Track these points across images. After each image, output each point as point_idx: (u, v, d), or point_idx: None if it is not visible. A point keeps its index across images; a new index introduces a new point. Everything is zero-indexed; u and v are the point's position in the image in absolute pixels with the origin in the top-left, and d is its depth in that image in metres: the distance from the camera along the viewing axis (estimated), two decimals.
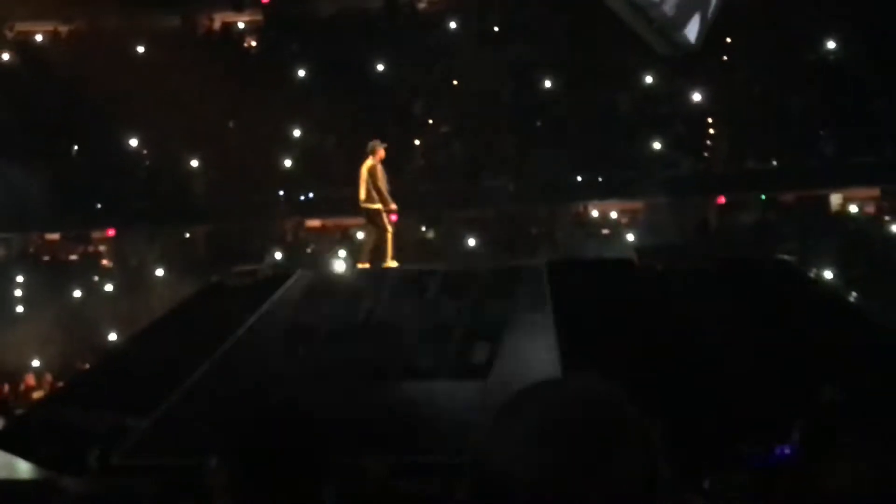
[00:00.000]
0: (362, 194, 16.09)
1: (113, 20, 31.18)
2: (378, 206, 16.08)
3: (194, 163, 30.46)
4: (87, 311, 27.51)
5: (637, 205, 28.63)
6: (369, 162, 16.19)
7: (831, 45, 27.83)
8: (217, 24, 34.18)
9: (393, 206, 16.29)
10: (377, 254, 16.17)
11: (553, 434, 1.46)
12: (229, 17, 34.03)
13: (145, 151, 31.49)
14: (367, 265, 16.30)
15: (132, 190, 30.09)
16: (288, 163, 29.82)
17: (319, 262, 26.26)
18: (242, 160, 29.03)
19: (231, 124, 30.54)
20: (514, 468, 1.45)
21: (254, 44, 33.62)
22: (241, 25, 34.19)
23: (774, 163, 27.33)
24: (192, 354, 14.63)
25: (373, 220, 16.20)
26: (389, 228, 16.22)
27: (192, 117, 29.53)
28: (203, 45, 32.54)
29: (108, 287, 29.26)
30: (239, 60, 32.03)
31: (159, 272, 28.80)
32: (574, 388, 1.55)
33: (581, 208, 28.61)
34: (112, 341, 25.23)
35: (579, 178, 27.51)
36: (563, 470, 1.44)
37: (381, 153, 16.27)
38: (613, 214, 28.76)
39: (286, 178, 29.72)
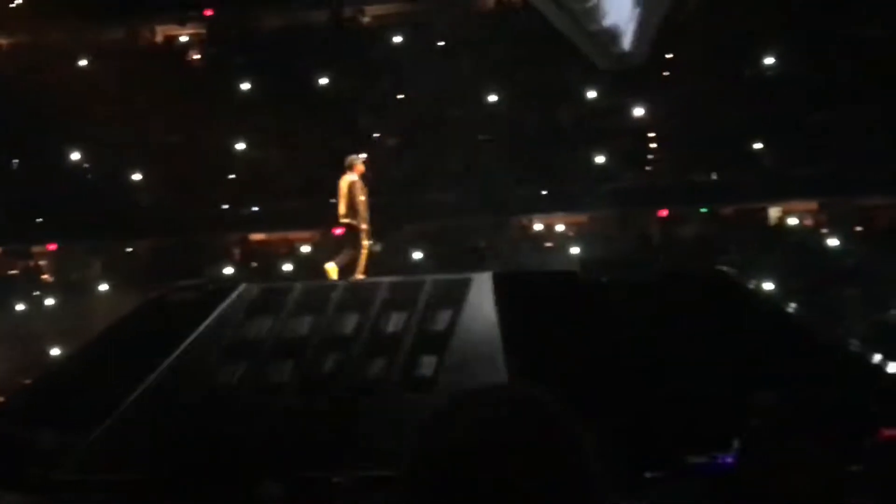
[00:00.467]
0: (342, 209, 16.04)
1: (56, 33, 30.89)
2: (355, 222, 16.13)
3: (137, 176, 30.22)
4: (28, 325, 27.17)
5: (581, 218, 28.85)
6: (348, 177, 16.15)
7: (770, 59, 28.26)
8: (160, 38, 33.96)
9: (364, 226, 16.27)
10: (350, 267, 16.23)
11: (485, 442, 1.45)
12: (173, 30, 33.83)
13: (88, 165, 31.19)
14: (361, 276, 16.30)
15: (74, 204, 29.77)
16: (232, 176, 29.68)
17: (265, 275, 26.19)
18: (186, 174, 28.89)
19: (175, 138, 30.35)
20: (447, 477, 1.45)
21: (197, 57, 33.44)
22: (184, 39, 33.99)
23: (715, 176, 27.67)
24: (135, 370, 14.51)
25: (351, 235, 16.22)
26: (364, 243, 16.27)
27: (135, 130, 29.34)
28: (146, 59, 32.32)
29: (50, 302, 28.92)
30: (183, 74, 31.86)
31: (102, 287, 28.52)
32: (507, 395, 1.55)
33: (526, 221, 28.77)
34: (54, 356, 24.93)
35: (524, 192, 27.67)
36: (497, 479, 1.43)
37: (360, 168, 16.32)
38: (558, 227, 28.94)
39: (231, 191, 29.58)
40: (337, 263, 16.24)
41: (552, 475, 1.47)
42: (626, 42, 11.91)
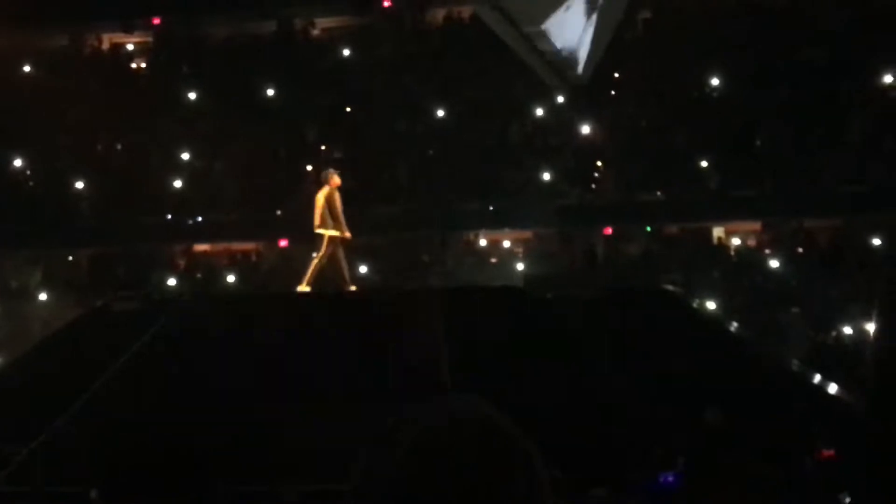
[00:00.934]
0: (316, 220, 16.35)
1: None
2: (334, 233, 16.29)
3: (80, 184, 29.86)
4: None
5: (527, 234, 28.95)
6: (325, 190, 16.52)
7: (715, 81, 28.60)
8: (106, 45, 33.62)
9: (347, 234, 16.56)
10: (327, 278, 16.43)
11: (431, 456, 1.44)
12: (119, 37, 33.51)
13: (29, 172, 30.79)
14: (307, 289, 16.43)
15: (15, 211, 29.34)
16: (177, 185, 29.43)
17: (208, 286, 25.99)
18: (130, 182, 28.60)
19: (119, 146, 30.05)
20: (393, 492, 1.43)
21: (143, 65, 33.15)
22: (130, 47, 33.69)
23: (660, 195, 27.92)
24: (75, 380, 14.32)
25: (326, 246, 16.42)
26: (341, 254, 16.50)
27: (78, 138, 29.02)
28: (91, 66, 32.00)
29: None
30: (128, 82, 31.58)
31: (42, 295, 28.12)
32: (452, 408, 1.52)
33: (472, 236, 28.82)
34: None
35: (470, 207, 27.72)
36: (443, 494, 1.41)
37: (336, 181, 16.72)
38: (504, 243, 29.02)
39: (175, 201, 29.32)
40: (307, 282, 16.47)
41: (501, 487, 1.45)
42: (576, 61, 12.01)
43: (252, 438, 12.70)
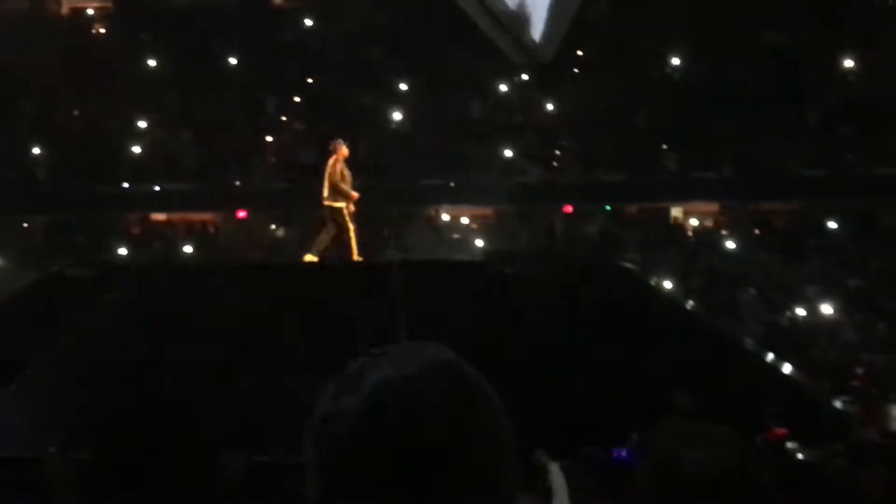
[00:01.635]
0: (325, 192, 16.12)
1: None
2: (341, 204, 16.02)
3: (36, 150, 29.48)
4: None
5: (487, 210, 28.98)
6: (332, 160, 16.12)
7: (677, 62, 28.70)
8: (66, 10, 33.17)
9: (355, 195, 16.29)
10: (339, 248, 16.25)
11: (394, 402, 1.40)
12: (79, 2, 33.07)
13: None
14: (315, 258, 16.22)
15: None
16: (136, 152, 29.13)
17: (165, 255, 25.80)
18: (87, 150, 28.29)
19: (76, 112, 29.70)
20: (351, 438, 1.39)
21: (103, 31, 32.74)
22: (90, 12, 33.25)
23: (620, 175, 28.02)
24: (29, 346, 14.17)
25: (335, 217, 16.19)
26: (351, 226, 16.29)
27: (36, 103, 28.64)
28: (51, 30, 31.56)
29: None
30: (87, 48, 31.18)
31: None
32: (417, 355, 1.48)
33: (433, 212, 28.80)
34: None
35: (431, 182, 27.69)
36: (405, 444, 1.37)
37: (344, 151, 16.39)
38: (464, 219, 29.02)
39: (132, 169, 29.03)
40: (315, 251, 16.24)
41: (473, 442, 1.42)
42: (541, 38, 11.98)
43: (202, 408, 12.64)
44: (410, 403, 1.41)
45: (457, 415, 1.42)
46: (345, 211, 16.33)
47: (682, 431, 2.34)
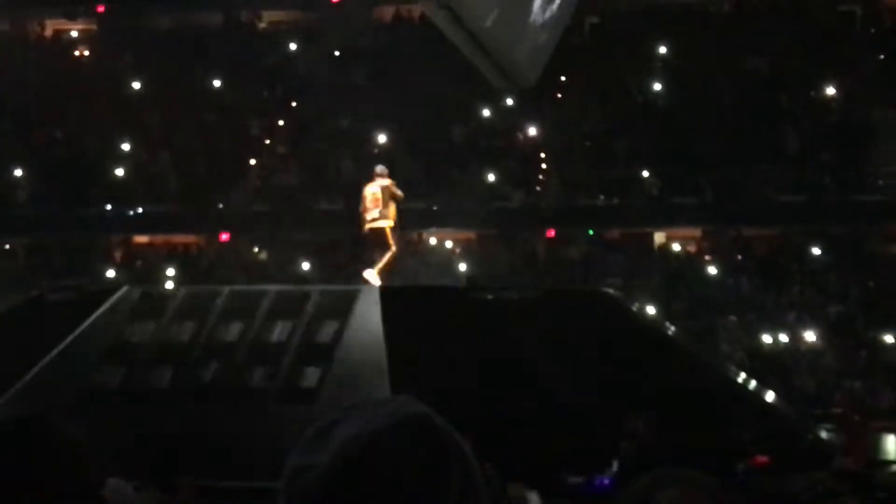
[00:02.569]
0: (373, 214, 16.22)
1: None
2: (391, 224, 16.21)
3: (18, 172, 29.38)
4: None
5: (469, 234, 29.00)
6: (380, 182, 16.34)
7: (658, 87, 28.86)
8: (49, 32, 33.15)
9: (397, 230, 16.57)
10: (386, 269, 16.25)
11: (363, 457, 1.41)
12: (62, 24, 33.04)
13: None
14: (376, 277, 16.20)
15: None
16: (118, 174, 29.06)
17: (147, 279, 25.69)
18: (69, 172, 28.21)
19: (59, 134, 29.63)
20: (322, 493, 1.40)
21: (86, 53, 32.72)
22: (74, 34, 33.23)
23: (602, 199, 28.10)
24: (8, 371, 14.09)
25: (389, 238, 16.23)
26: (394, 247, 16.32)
27: (17, 125, 28.58)
28: (33, 52, 31.52)
29: None
30: (70, 70, 31.15)
31: None
32: (388, 409, 1.49)
33: (415, 236, 28.81)
34: None
35: (413, 206, 27.66)
36: (375, 499, 1.39)
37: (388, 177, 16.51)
38: (446, 243, 29.03)
39: (115, 192, 28.95)
40: (379, 270, 16.13)
41: (441, 493, 1.44)
42: (523, 63, 12.03)
43: (184, 433, 12.58)
44: (379, 457, 1.42)
45: (427, 466, 1.43)
46: (388, 231, 16.31)
47: (657, 474, 2.34)
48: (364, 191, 16.56)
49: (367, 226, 16.34)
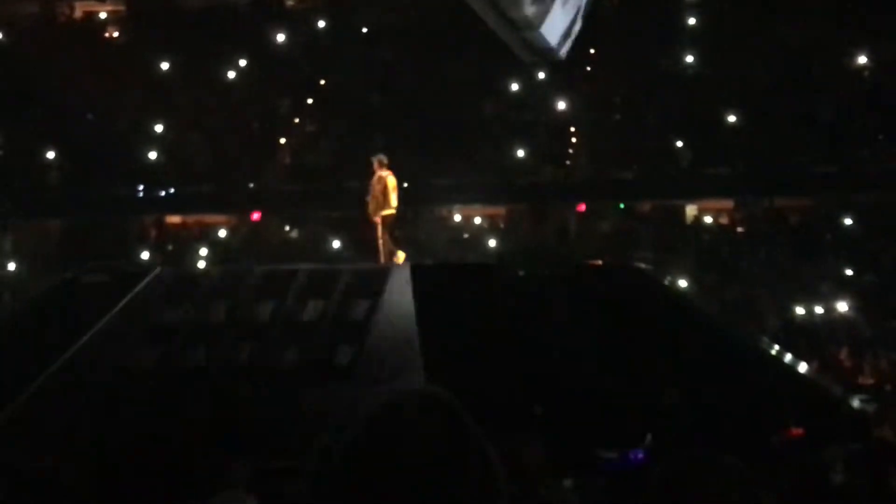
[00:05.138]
0: (395, 202, 16.85)
1: None
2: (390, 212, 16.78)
3: (50, 154, 29.60)
4: None
5: (499, 210, 28.96)
6: (386, 172, 16.88)
7: (689, 58, 28.63)
8: (79, 13, 33.27)
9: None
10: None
11: (384, 433, 1.49)
12: (91, 6, 33.15)
13: (0, 141, 30.49)
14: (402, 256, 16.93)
15: None
16: (150, 156, 29.21)
17: (180, 259, 25.88)
18: (101, 153, 28.37)
19: (90, 116, 29.78)
20: (347, 466, 1.47)
21: (116, 35, 32.83)
22: (103, 15, 33.34)
23: (633, 173, 27.97)
24: (45, 352, 14.24)
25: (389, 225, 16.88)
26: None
27: (49, 108, 28.75)
28: (63, 34, 31.66)
29: None
30: (100, 51, 31.27)
31: (11, 266, 27.92)
32: (410, 398, 1.57)
33: (445, 212, 28.80)
34: None
35: (443, 182, 27.69)
36: (398, 482, 1.45)
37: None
38: (477, 219, 29.01)
39: (147, 173, 29.12)
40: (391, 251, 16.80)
41: (459, 487, 1.48)
42: (552, 36, 11.97)
43: (217, 412, 12.68)
44: (400, 430, 1.50)
45: (445, 441, 1.51)
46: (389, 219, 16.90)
47: (690, 456, 2.34)
48: (372, 180, 16.87)
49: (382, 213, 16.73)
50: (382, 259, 16.78)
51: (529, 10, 11.42)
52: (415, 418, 1.51)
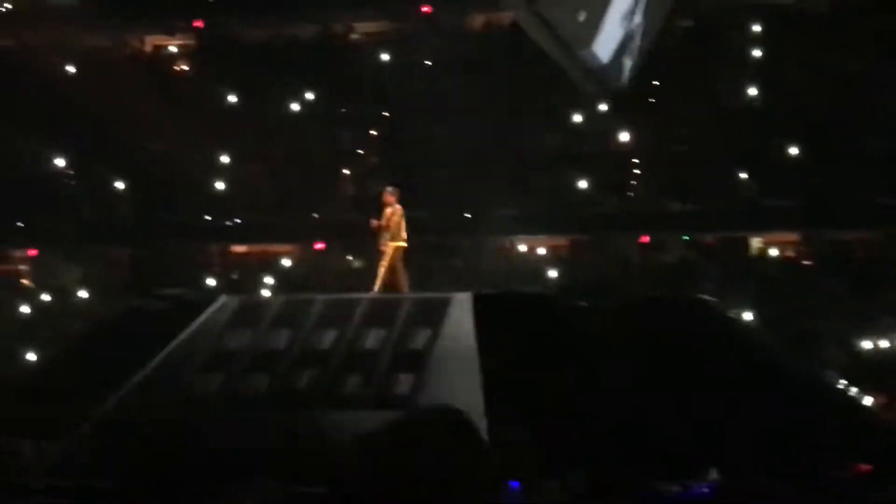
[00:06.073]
0: (404, 234, 16.98)
1: (42, 38, 30.80)
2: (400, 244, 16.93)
3: (120, 184, 30.14)
4: (4, 330, 26.99)
5: (562, 241, 28.90)
6: (396, 206, 17.09)
7: (752, 91, 28.46)
8: (149, 47, 33.92)
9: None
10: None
11: (399, 462, 1.61)
12: (161, 39, 33.80)
13: (71, 171, 31.10)
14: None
15: (56, 210, 29.65)
16: (219, 186, 29.63)
17: (245, 287, 26.13)
18: (169, 184, 28.82)
19: (159, 147, 30.29)
20: (369, 490, 1.61)
21: (185, 67, 33.40)
22: (172, 49, 33.96)
23: (697, 204, 27.79)
24: (111, 377, 14.46)
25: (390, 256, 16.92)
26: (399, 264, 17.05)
27: (119, 139, 29.27)
28: (133, 67, 32.25)
29: (27, 308, 28.73)
30: (169, 83, 31.81)
31: (81, 293, 28.39)
32: (426, 414, 1.69)
33: (507, 242, 28.82)
34: (30, 362, 24.77)
35: (505, 213, 27.72)
36: (413, 491, 1.56)
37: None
38: (539, 250, 28.99)
39: (213, 202, 29.53)
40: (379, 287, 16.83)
41: (469, 486, 1.60)
42: (615, 68, 11.98)
43: (278, 439, 12.76)
44: (414, 433, 1.65)
45: (456, 447, 1.64)
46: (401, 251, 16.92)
47: (751, 483, 2.36)
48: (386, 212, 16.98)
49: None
50: (376, 288, 16.79)
51: (579, 28, 11.40)
52: (430, 432, 1.62)
